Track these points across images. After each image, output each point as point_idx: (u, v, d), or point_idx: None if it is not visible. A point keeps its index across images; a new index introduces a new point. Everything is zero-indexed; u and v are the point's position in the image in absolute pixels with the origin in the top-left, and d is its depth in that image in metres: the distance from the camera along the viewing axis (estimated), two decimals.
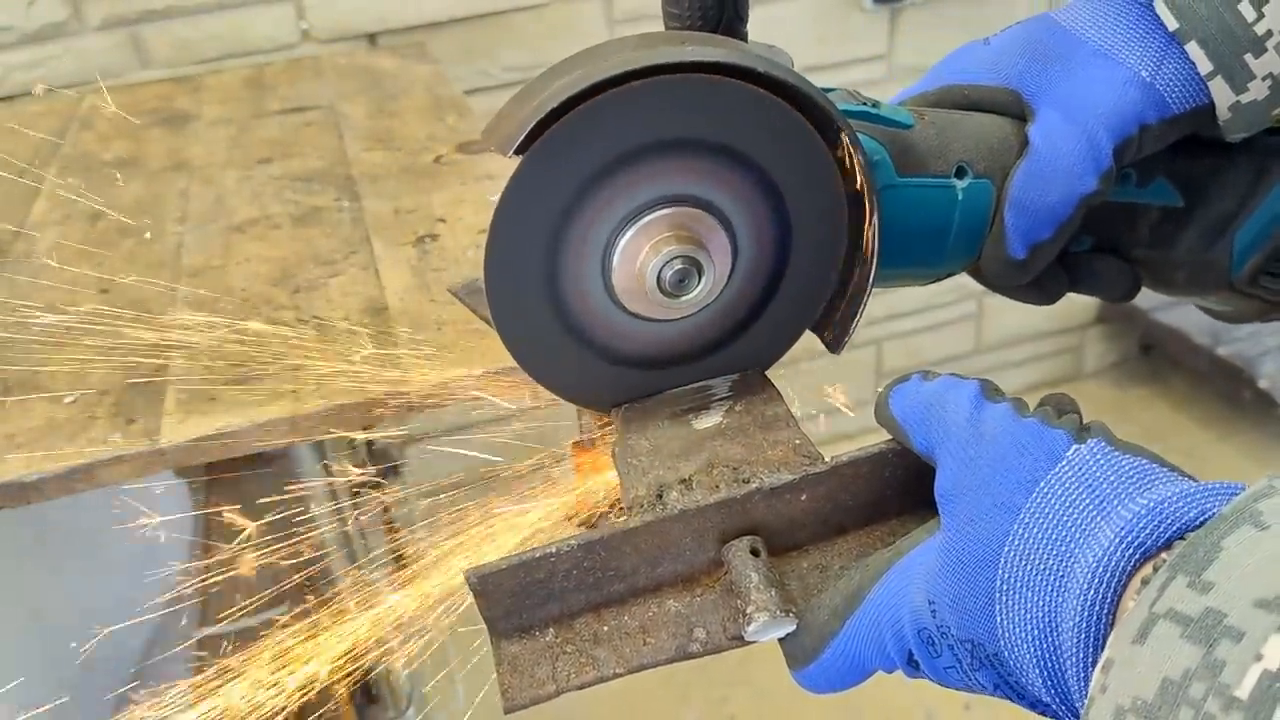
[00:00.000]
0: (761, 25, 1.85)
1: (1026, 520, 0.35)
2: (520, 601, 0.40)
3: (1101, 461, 0.36)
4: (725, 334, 0.49)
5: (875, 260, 0.46)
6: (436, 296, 0.83)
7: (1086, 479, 0.35)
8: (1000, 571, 0.35)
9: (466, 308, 0.59)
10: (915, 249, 0.50)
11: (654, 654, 0.40)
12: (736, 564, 0.41)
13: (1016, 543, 0.35)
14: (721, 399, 0.48)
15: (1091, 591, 0.32)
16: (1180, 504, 0.33)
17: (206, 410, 0.72)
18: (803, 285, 0.48)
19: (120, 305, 0.87)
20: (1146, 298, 2.49)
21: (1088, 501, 0.34)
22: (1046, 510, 0.35)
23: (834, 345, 0.51)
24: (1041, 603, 0.34)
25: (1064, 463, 0.36)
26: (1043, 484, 0.36)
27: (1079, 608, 0.33)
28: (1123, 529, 0.33)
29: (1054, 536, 0.34)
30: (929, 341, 2.30)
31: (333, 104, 1.33)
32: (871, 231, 0.46)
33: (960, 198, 0.49)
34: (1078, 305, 2.38)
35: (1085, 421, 0.39)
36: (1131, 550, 0.32)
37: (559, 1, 1.74)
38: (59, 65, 1.56)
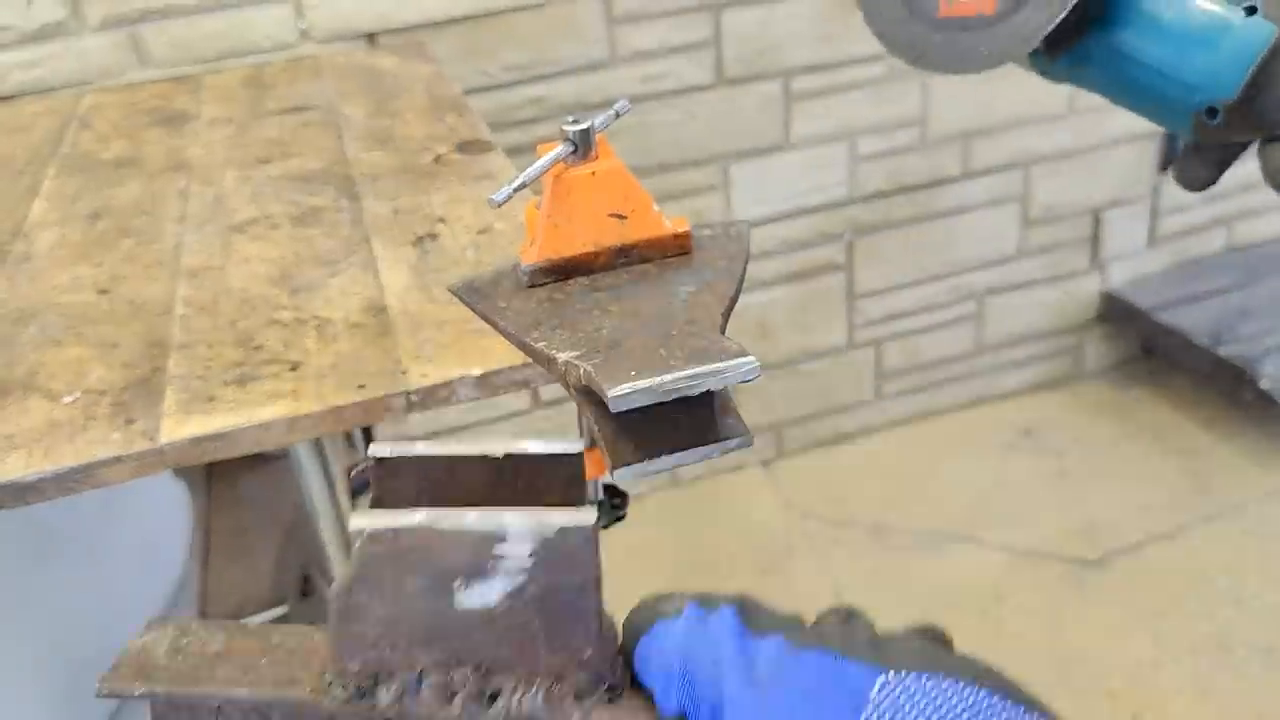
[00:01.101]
0: (761, 25, 1.88)
1: None
2: None
3: (919, 702, 0.28)
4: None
5: None
6: (436, 296, 0.83)
7: None
8: None
9: (466, 306, 0.59)
10: (1170, 55, 0.54)
11: None
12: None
13: None
14: (514, 572, 0.34)
15: None
16: None
17: (206, 410, 0.71)
18: None
19: (119, 305, 0.87)
20: (1148, 296, 2.48)
21: None
22: None
23: None
24: None
25: (870, 706, 0.29)
26: None
27: None
28: None
29: None
30: (928, 341, 2.30)
31: (332, 104, 1.33)
32: None
33: (1235, 24, 0.53)
34: (1078, 305, 2.38)
35: (878, 636, 0.31)
36: None
37: (559, 1, 1.74)
38: (58, 65, 1.56)
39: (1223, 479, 2.16)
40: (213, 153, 1.20)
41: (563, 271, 0.60)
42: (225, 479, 1.48)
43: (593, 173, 0.58)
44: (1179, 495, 2.13)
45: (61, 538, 1.13)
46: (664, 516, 2.17)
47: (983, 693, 0.28)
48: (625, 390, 0.50)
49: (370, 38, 1.67)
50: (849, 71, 1.94)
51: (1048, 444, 2.30)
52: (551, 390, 1.95)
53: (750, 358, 0.51)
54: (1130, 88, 0.57)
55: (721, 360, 0.50)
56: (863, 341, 2.25)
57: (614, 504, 0.70)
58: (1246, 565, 1.97)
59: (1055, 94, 2.12)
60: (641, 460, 0.51)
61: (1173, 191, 2.32)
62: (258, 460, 1.47)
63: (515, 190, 0.58)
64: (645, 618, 0.34)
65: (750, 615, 0.32)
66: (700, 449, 0.52)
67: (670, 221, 0.61)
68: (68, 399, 0.74)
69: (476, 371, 0.72)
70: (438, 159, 1.11)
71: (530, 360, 0.67)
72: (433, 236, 0.93)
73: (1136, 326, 2.36)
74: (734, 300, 0.59)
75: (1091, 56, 0.57)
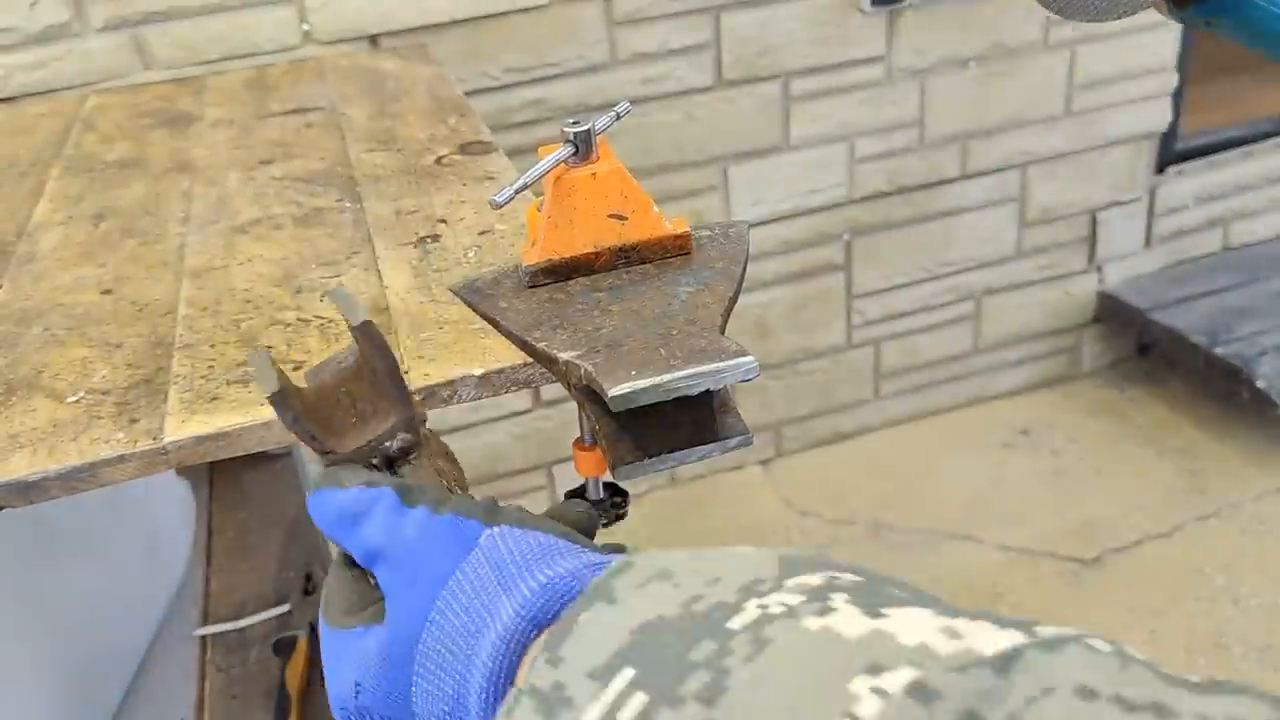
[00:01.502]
0: (760, 26, 1.88)
1: (442, 608, 0.38)
2: None
3: (510, 543, 0.39)
4: None
5: None
6: (438, 296, 0.83)
7: (495, 561, 0.39)
8: (419, 657, 0.38)
9: (468, 306, 0.60)
10: None
11: None
12: None
13: (433, 629, 0.38)
14: None
15: (493, 663, 0.36)
16: (569, 578, 0.37)
17: (209, 409, 0.72)
18: None
19: (123, 305, 0.88)
20: (1144, 297, 2.49)
21: (495, 582, 0.38)
22: (460, 596, 0.38)
23: None
24: (453, 681, 0.37)
25: (477, 550, 0.39)
26: (457, 572, 0.39)
27: (482, 680, 0.36)
28: (521, 604, 0.37)
29: (466, 620, 0.38)
30: (927, 341, 2.31)
31: (334, 105, 1.34)
32: None
33: None
34: (1075, 305, 2.39)
35: (495, 505, 0.42)
36: (526, 623, 0.36)
37: (560, 3, 1.75)
38: (61, 66, 1.56)
39: (1219, 478, 2.17)
40: (216, 154, 1.20)
41: (563, 272, 0.60)
42: (228, 478, 1.49)
43: (593, 174, 0.59)
44: (1175, 494, 2.14)
45: (65, 537, 1.14)
46: (664, 515, 2.18)
47: (552, 537, 0.39)
48: (626, 390, 0.50)
49: (372, 40, 1.68)
50: (848, 73, 1.95)
51: (1045, 443, 2.31)
52: (552, 390, 1.96)
53: (749, 357, 0.51)
54: (1257, 30, 0.68)
55: (721, 360, 0.51)
56: (861, 341, 2.26)
57: (614, 502, 0.70)
58: (1243, 564, 1.97)
59: (1052, 95, 2.12)
60: (641, 459, 0.52)
61: (1169, 192, 2.33)
62: (261, 459, 1.48)
63: (516, 191, 0.58)
64: (326, 481, 0.44)
65: (404, 494, 0.42)
66: (700, 448, 0.52)
67: (670, 222, 0.62)
68: (72, 399, 0.75)
69: (478, 371, 0.72)
70: (439, 160, 1.12)
71: (531, 360, 0.67)
72: (434, 237, 0.94)
73: (1133, 326, 2.37)
74: (734, 300, 0.59)
75: (1223, 3, 0.69)
